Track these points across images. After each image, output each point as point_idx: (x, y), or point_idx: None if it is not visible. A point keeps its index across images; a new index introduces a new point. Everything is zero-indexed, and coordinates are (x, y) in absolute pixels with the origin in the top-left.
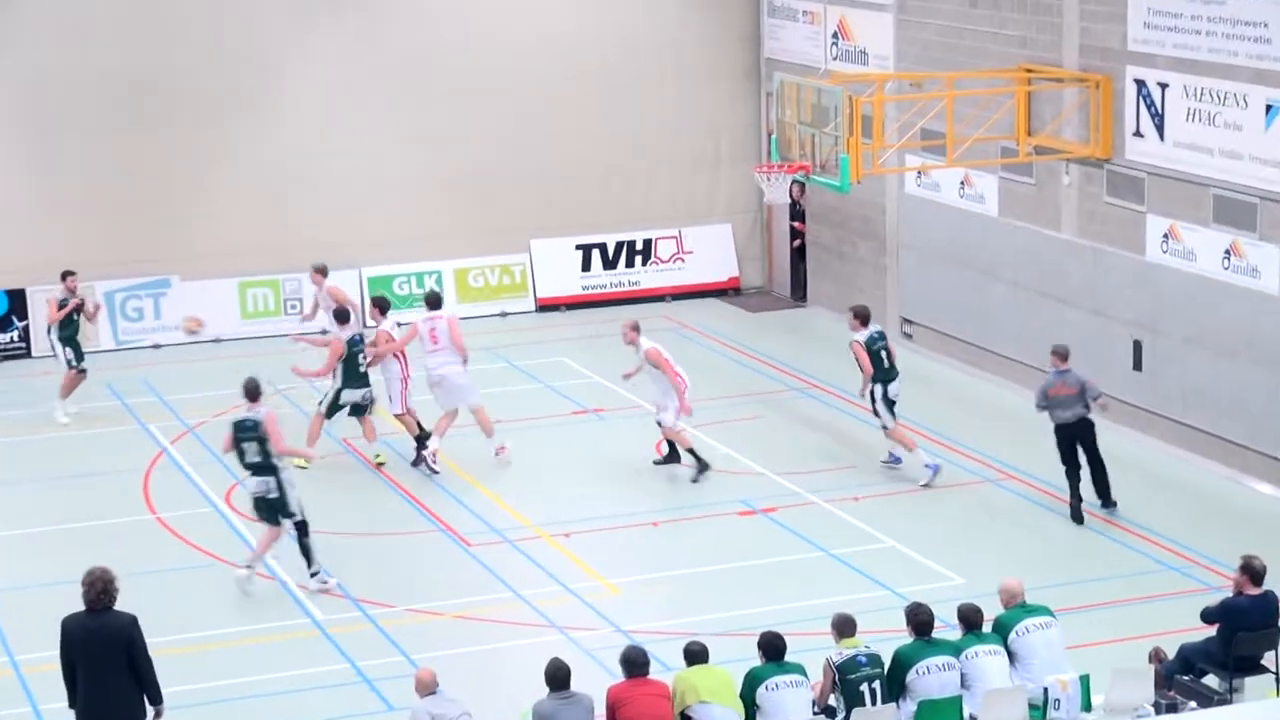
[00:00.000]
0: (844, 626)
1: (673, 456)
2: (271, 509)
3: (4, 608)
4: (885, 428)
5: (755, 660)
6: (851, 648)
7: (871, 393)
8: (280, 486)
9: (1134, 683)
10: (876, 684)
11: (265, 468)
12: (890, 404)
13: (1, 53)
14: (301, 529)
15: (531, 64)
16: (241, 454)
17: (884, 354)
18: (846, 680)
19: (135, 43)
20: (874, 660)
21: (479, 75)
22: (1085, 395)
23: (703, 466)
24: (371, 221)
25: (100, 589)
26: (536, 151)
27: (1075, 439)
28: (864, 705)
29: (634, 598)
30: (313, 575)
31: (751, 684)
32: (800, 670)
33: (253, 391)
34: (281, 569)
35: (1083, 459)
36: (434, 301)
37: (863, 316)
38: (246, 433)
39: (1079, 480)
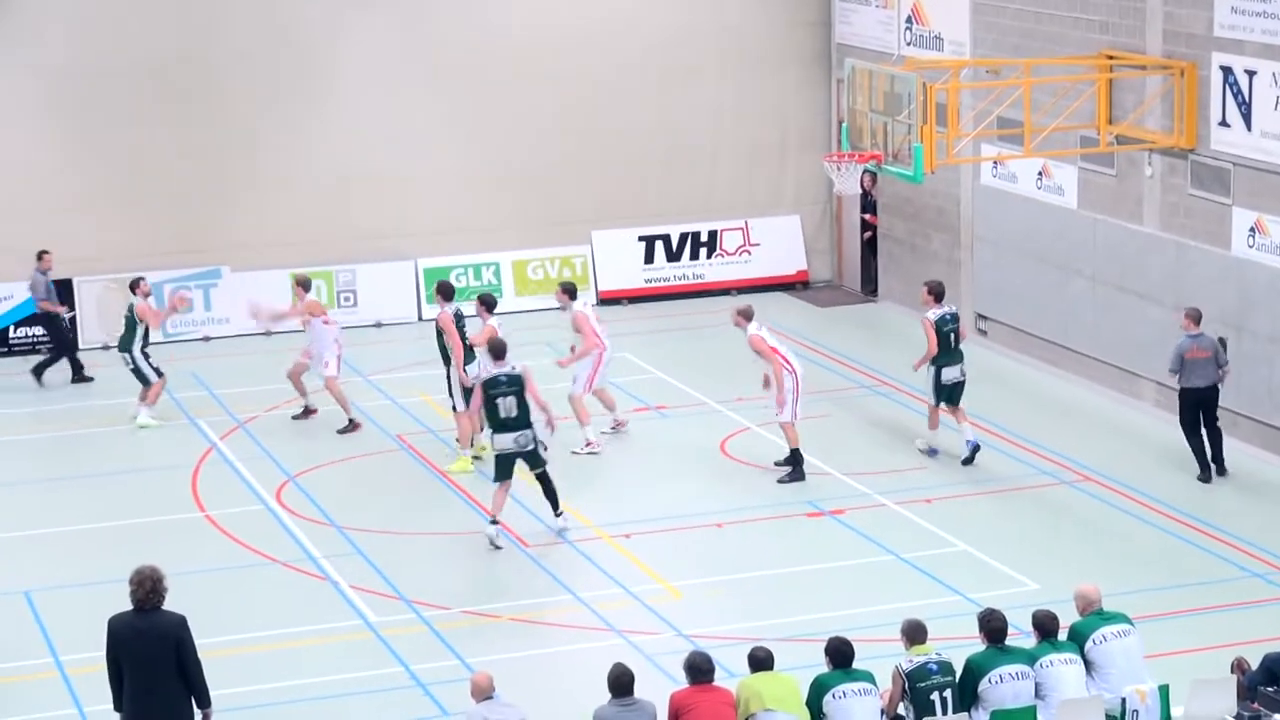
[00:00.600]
0: (914, 633)
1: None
2: (531, 460)
3: (49, 607)
4: (930, 405)
5: (822, 667)
6: (922, 655)
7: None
8: (535, 438)
9: (1215, 693)
10: (948, 693)
11: (523, 422)
12: (940, 388)
13: (48, 41)
14: (544, 478)
15: (595, 49)
16: (494, 410)
17: (953, 337)
18: (916, 689)
19: (184, 30)
20: (945, 668)
21: (539, 61)
22: (1217, 359)
23: (796, 474)
24: (427, 212)
25: (149, 588)
26: (598, 140)
27: (1201, 405)
28: (935, 714)
29: (697, 601)
30: (558, 515)
31: (818, 691)
32: (869, 678)
33: (500, 350)
34: (334, 569)
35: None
36: (573, 291)
37: (937, 293)
38: (502, 388)
39: (1204, 443)
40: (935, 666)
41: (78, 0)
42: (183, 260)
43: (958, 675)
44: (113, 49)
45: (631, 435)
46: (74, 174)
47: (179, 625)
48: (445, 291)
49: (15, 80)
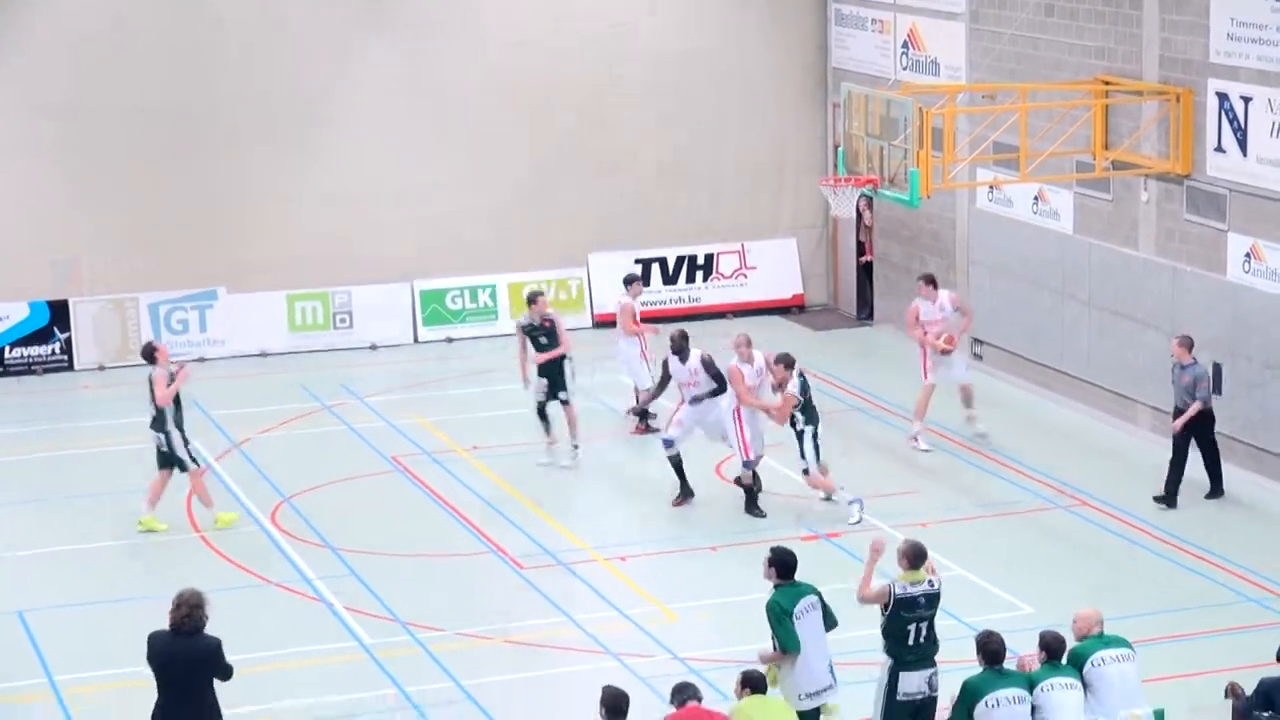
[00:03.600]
0: (914, 556)
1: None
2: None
3: (42, 627)
4: (806, 471)
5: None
6: (917, 584)
7: (802, 434)
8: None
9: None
10: (924, 625)
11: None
12: (819, 448)
13: (49, 65)
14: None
15: (591, 75)
16: None
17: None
18: (900, 615)
19: (186, 57)
20: (932, 600)
21: (536, 84)
22: None
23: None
24: (424, 234)
25: (185, 613)
26: (595, 163)
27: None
28: (908, 643)
29: (691, 624)
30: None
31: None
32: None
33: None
34: (328, 590)
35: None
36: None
37: (785, 363)
38: None
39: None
40: (924, 600)
41: (78, 31)
42: (179, 281)
43: (939, 605)
44: (111, 74)
45: (626, 457)
46: (68, 194)
47: (214, 651)
48: (148, 354)
49: (19, 92)
